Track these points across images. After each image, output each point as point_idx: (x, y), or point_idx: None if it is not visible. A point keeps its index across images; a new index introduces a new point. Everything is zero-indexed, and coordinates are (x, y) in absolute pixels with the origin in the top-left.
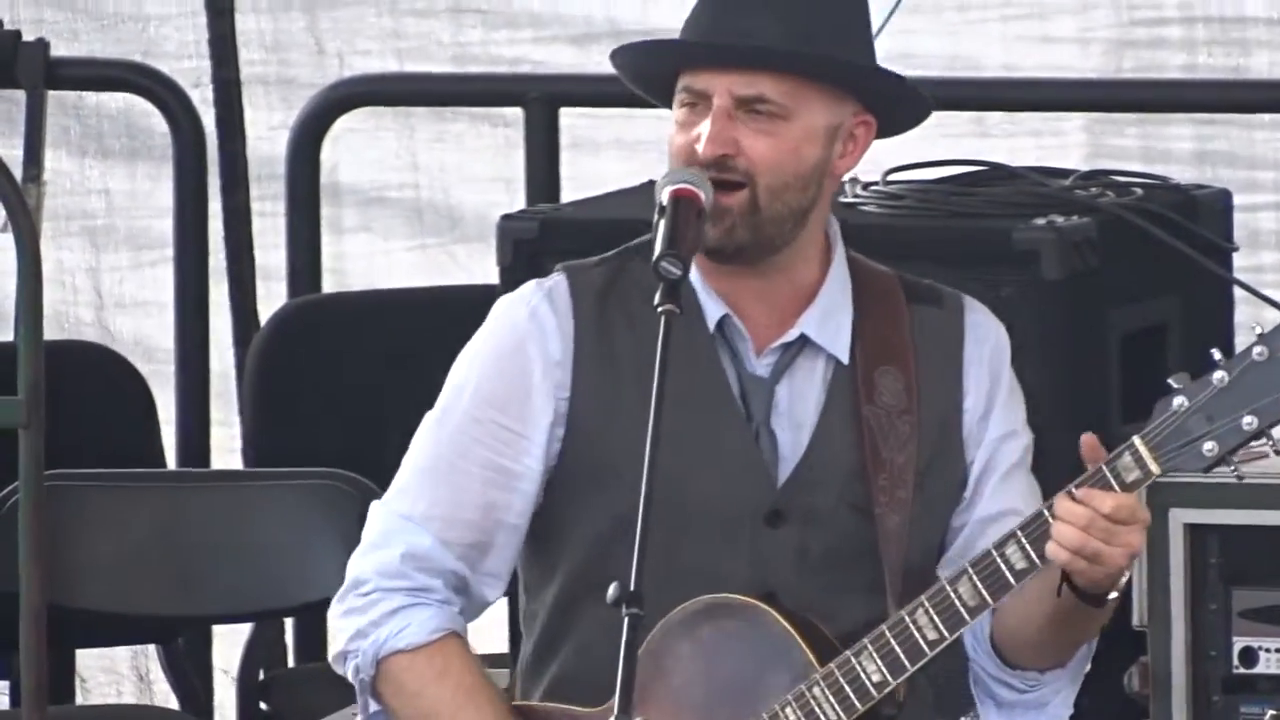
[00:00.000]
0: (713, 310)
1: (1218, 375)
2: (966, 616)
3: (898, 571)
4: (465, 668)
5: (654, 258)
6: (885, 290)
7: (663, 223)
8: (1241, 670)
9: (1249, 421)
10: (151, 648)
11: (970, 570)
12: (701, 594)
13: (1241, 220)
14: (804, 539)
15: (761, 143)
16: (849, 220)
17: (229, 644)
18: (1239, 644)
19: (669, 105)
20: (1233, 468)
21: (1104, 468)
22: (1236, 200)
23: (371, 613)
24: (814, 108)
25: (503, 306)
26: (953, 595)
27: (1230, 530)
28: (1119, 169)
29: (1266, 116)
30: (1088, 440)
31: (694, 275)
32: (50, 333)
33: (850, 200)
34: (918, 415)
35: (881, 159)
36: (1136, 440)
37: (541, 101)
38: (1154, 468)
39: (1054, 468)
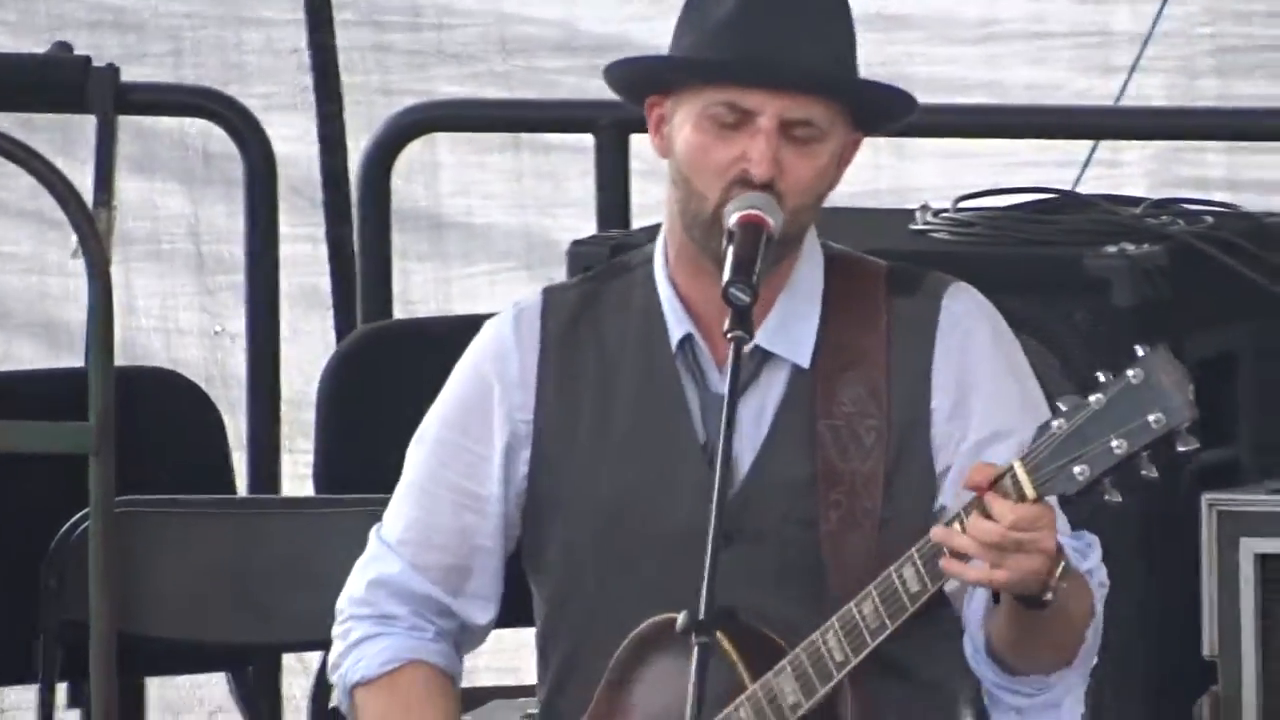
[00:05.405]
0: (676, 329)
1: (1094, 397)
2: (868, 639)
3: (852, 585)
4: (412, 699)
5: (723, 284)
6: (865, 288)
7: (731, 248)
8: None
9: (1118, 445)
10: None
11: (874, 591)
12: (663, 613)
13: None
14: (753, 557)
15: (801, 165)
16: (920, 248)
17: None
18: None
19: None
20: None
21: (986, 494)
22: None
23: (341, 644)
24: (837, 131)
25: (482, 330)
26: (858, 616)
27: None
28: (1190, 197)
29: None
30: (975, 468)
31: (665, 290)
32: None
33: (921, 228)
34: (887, 418)
35: (954, 186)
36: (1016, 464)
37: (613, 127)
38: (1030, 491)
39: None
